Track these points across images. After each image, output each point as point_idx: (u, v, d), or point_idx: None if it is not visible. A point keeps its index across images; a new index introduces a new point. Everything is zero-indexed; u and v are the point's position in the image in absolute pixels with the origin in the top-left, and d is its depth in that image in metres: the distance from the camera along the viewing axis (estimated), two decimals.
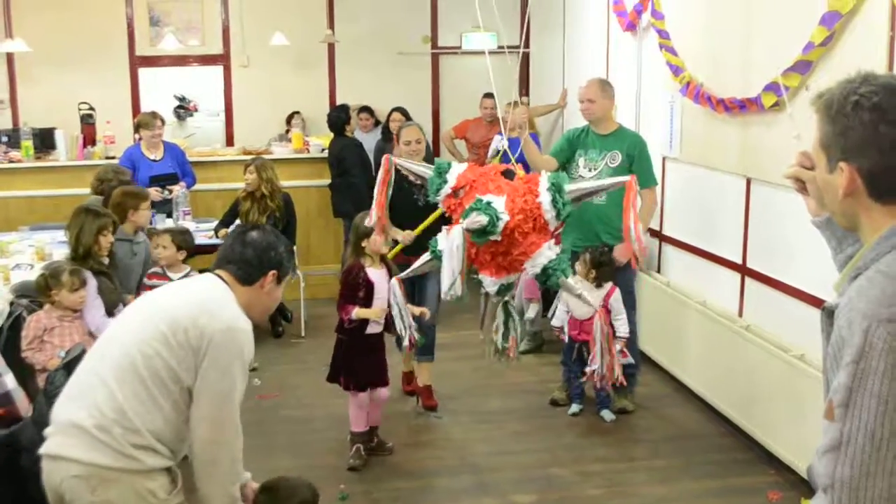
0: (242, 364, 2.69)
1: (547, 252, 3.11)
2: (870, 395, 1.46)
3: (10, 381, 3.49)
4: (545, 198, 3.10)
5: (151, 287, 4.43)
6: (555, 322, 5.35)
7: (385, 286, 4.46)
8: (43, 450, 2.66)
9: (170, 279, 4.90)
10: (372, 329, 4.62)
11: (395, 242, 5.02)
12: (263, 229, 3.00)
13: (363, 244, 4.56)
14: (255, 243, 2.86)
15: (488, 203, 3.03)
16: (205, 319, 2.63)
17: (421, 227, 4.95)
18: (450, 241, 2.89)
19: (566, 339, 5.29)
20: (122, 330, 2.75)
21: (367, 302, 4.55)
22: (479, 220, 2.96)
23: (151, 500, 2.59)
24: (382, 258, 4.69)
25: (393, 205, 4.54)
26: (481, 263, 3.19)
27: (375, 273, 4.60)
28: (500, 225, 3.00)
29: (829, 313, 1.64)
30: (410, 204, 5.00)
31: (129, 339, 2.66)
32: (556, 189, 3.10)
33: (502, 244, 3.08)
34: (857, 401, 1.47)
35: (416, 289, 5.37)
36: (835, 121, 1.61)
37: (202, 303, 2.71)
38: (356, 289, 4.56)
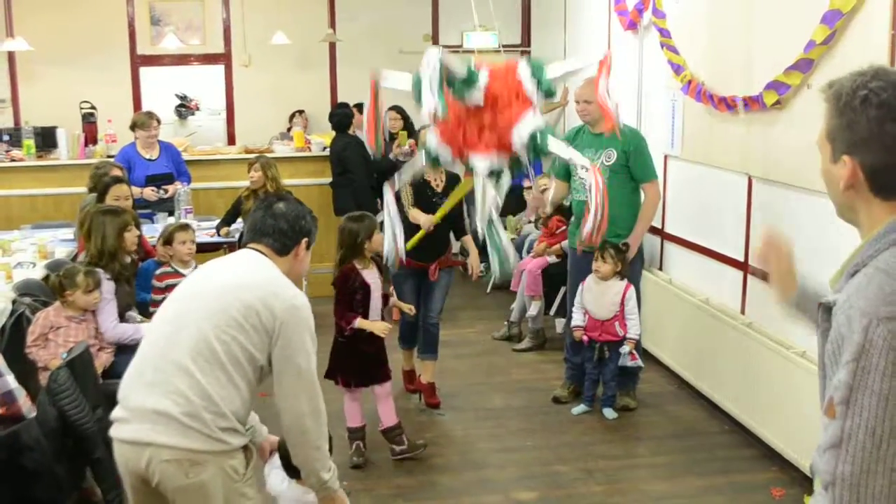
0: (311, 335, 2.79)
1: (531, 119, 3.30)
2: (870, 392, 1.47)
3: (12, 380, 3.51)
4: (524, 71, 3.41)
5: (168, 288, 4.29)
6: (575, 322, 5.29)
7: (379, 286, 4.60)
8: (119, 435, 2.68)
9: (184, 276, 4.78)
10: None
11: (418, 228, 5.10)
12: (287, 199, 3.05)
13: (364, 246, 4.55)
14: (286, 214, 2.93)
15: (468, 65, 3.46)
16: (272, 301, 2.71)
17: (439, 213, 4.94)
18: (425, 61, 3.20)
19: (587, 340, 5.25)
20: (191, 316, 2.72)
21: (364, 303, 4.54)
22: (460, 68, 3.35)
23: (235, 477, 2.68)
24: (373, 259, 4.65)
25: (413, 204, 4.72)
26: (471, 144, 3.39)
27: (369, 274, 4.60)
28: (480, 78, 3.32)
29: (826, 309, 1.63)
30: (429, 203, 5.16)
31: (203, 325, 2.67)
32: (534, 65, 3.46)
33: (487, 113, 3.35)
34: (858, 398, 1.48)
35: (421, 288, 5.37)
36: (842, 113, 1.62)
37: (265, 284, 2.77)
38: (354, 293, 4.53)
